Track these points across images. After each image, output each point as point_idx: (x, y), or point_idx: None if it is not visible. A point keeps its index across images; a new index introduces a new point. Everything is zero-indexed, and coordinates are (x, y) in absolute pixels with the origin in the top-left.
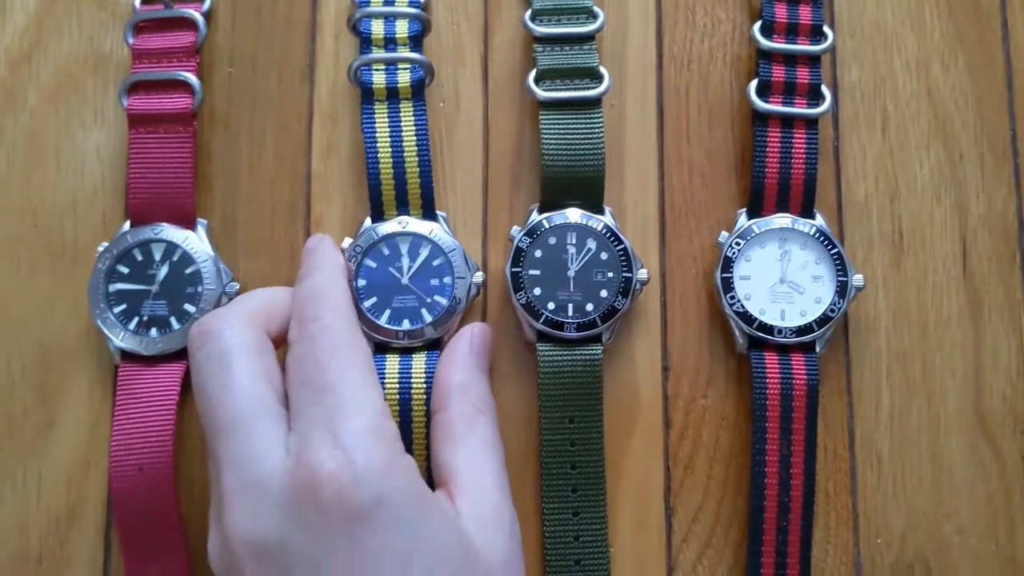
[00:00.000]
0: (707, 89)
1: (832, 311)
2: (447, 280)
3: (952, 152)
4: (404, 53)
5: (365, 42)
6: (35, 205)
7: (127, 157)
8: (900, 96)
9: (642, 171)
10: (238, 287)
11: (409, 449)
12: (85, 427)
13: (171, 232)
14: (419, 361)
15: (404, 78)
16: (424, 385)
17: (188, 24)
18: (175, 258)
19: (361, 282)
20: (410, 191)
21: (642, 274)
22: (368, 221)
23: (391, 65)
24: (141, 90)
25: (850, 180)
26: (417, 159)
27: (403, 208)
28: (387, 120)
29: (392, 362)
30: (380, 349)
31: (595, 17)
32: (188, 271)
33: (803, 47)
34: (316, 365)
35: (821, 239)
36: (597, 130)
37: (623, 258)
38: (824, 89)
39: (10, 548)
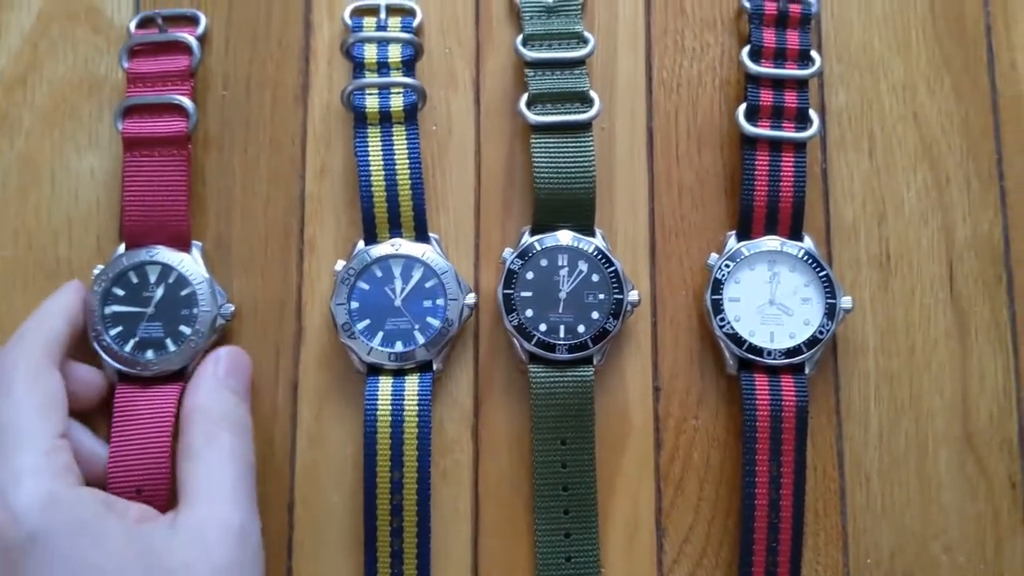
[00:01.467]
0: (696, 112)
1: (821, 333)
2: (440, 302)
3: (938, 175)
4: (397, 78)
5: (358, 67)
6: (30, 227)
7: (122, 180)
8: (887, 119)
9: (632, 193)
10: (233, 308)
11: (400, 468)
12: None
13: (166, 254)
14: (412, 383)
15: (397, 102)
16: (416, 408)
17: (183, 48)
18: (170, 280)
19: (354, 304)
20: (403, 213)
21: (633, 296)
22: (361, 243)
23: (384, 89)
24: (136, 114)
25: (838, 202)
26: (410, 182)
27: (396, 230)
28: (380, 143)
29: (385, 384)
30: (373, 371)
31: (586, 42)
32: (183, 293)
33: (791, 71)
34: None
35: (810, 262)
36: (588, 153)
37: (614, 280)
38: (812, 113)
39: None
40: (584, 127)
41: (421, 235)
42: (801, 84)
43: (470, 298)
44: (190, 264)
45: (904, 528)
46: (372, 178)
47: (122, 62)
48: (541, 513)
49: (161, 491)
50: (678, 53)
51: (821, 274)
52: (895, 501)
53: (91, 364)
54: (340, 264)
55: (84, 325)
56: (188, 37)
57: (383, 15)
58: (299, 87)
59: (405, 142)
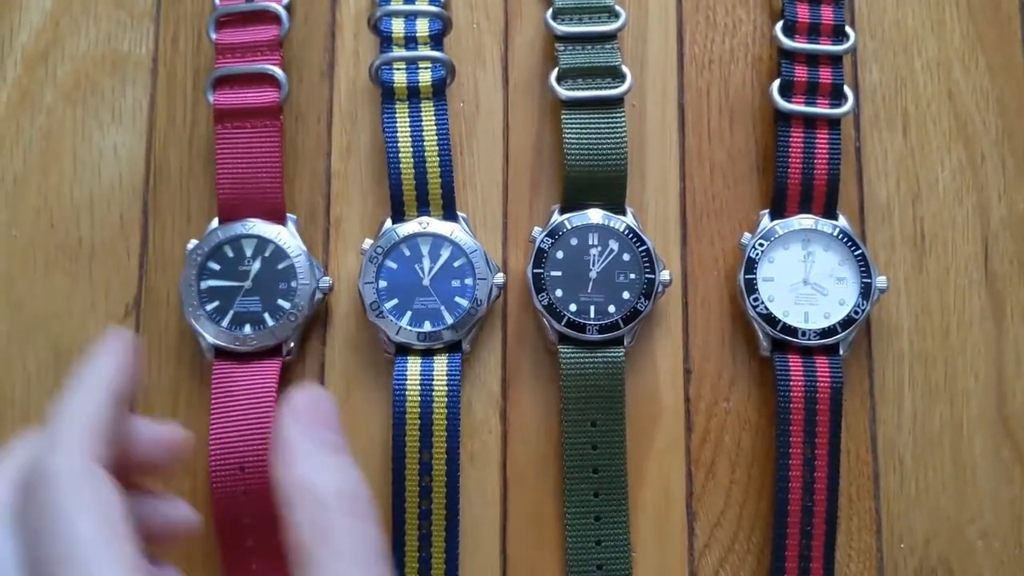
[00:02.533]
0: (728, 89)
1: (856, 313)
2: (468, 281)
3: (973, 153)
4: (425, 51)
5: (385, 41)
6: (51, 204)
7: (214, 153)
8: (921, 97)
9: (663, 171)
10: (331, 281)
11: (429, 449)
12: None
13: (262, 227)
14: (440, 363)
15: (425, 77)
16: (445, 388)
17: (271, 17)
18: (267, 253)
19: (382, 283)
20: (431, 191)
21: (664, 276)
22: (388, 222)
23: (412, 64)
24: (226, 85)
25: (872, 181)
26: (438, 159)
27: (424, 209)
28: (408, 120)
29: (413, 364)
30: (401, 351)
31: (617, 16)
32: (281, 266)
33: (825, 47)
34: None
35: (845, 240)
36: (619, 130)
37: (645, 259)
38: (847, 89)
39: None
40: (616, 102)
41: (449, 213)
42: (835, 60)
43: (499, 278)
44: (287, 237)
45: (939, 513)
46: (400, 155)
47: (210, 32)
48: (571, 495)
49: (265, 468)
50: (710, 29)
51: (856, 253)
52: (929, 485)
53: (187, 340)
54: (367, 243)
55: (135, 380)
56: (276, 6)
57: None
58: (325, 63)
59: (434, 118)
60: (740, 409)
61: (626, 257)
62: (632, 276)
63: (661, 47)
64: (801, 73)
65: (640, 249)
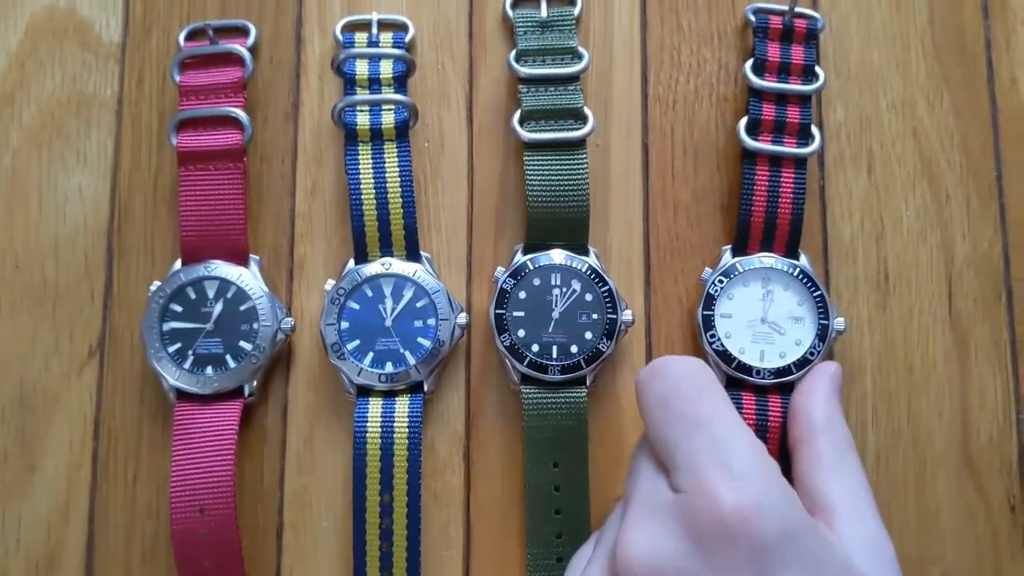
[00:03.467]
0: (693, 129)
1: (811, 354)
2: (431, 322)
3: (938, 192)
4: (388, 94)
5: (349, 83)
6: (16, 246)
7: (177, 195)
8: (886, 136)
9: (627, 211)
10: (293, 322)
11: (390, 491)
12: (66, 471)
13: (225, 269)
14: (402, 404)
15: (388, 119)
16: (406, 429)
17: (235, 59)
18: (229, 295)
19: (344, 324)
20: (394, 232)
21: (627, 315)
22: (351, 262)
23: (375, 106)
24: (190, 127)
25: (836, 220)
26: (401, 200)
27: (387, 249)
28: (371, 161)
29: (375, 405)
30: (363, 393)
31: (580, 58)
32: (243, 308)
33: (795, 87)
34: (685, 401)
35: (804, 280)
36: (582, 171)
37: (608, 299)
38: (814, 129)
39: None
40: (578, 144)
41: (412, 254)
42: (804, 99)
43: (462, 318)
44: (249, 278)
45: (902, 553)
46: (363, 196)
47: (174, 75)
48: (533, 537)
49: (225, 510)
50: (674, 68)
51: (815, 294)
52: (893, 525)
53: (150, 381)
54: (330, 284)
55: None
56: (240, 48)
57: (375, 30)
58: (289, 104)
59: (396, 159)
60: None
61: (588, 297)
62: (595, 316)
63: (625, 87)
64: (769, 112)
65: (602, 289)
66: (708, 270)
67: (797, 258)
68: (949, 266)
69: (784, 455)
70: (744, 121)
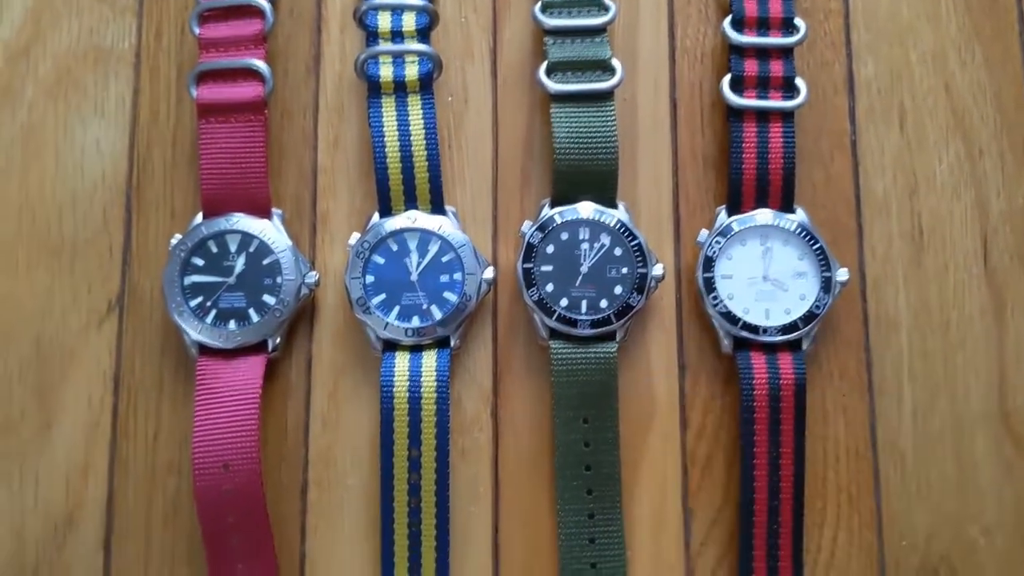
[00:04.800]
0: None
1: (818, 308)
2: (457, 276)
3: (971, 147)
4: (412, 45)
5: (371, 35)
6: (33, 201)
7: (197, 148)
8: (917, 90)
9: (655, 166)
10: (317, 276)
11: (418, 446)
12: (84, 428)
13: (247, 222)
14: (429, 359)
15: (412, 71)
16: (434, 384)
17: (255, 11)
18: (252, 249)
19: (369, 278)
20: (418, 185)
21: (658, 270)
22: (376, 216)
23: (398, 58)
24: (209, 80)
25: (868, 175)
26: (425, 152)
27: (411, 203)
28: (395, 114)
29: (402, 360)
30: (389, 347)
31: (606, 9)
32: (266, 262)
33: (775, 40)
34: None
35: (803, 234)
36: (610, 123)
37: (638, 253)
38: (799, 82)
39: (5, 555)
40: (606, 96)
41: (437, 208)
42: (786, 52)
43: (488, 272)
44: (272, 232)
45: (940, 510)
46: (387, 149)
47: (192, 27)
48: (563, 493)
49: (250, 466)
50: (702, 22)
51: (815, 247)
52: (931, 482)
53: (171, 336)
54: (355, 237)
55: None
56: (260, 0)
57: None
58: (311, 58)
59: (420, 112)
60: (736, 405)
61: (618, 251)
62: (624, 270)
63: (653, 40)
64: (751, 67)
65: (632, 243)
66: (704, 232)
67: (793, 212)
68: (984, 222)
69: (800, 415)
70: (727, 78)
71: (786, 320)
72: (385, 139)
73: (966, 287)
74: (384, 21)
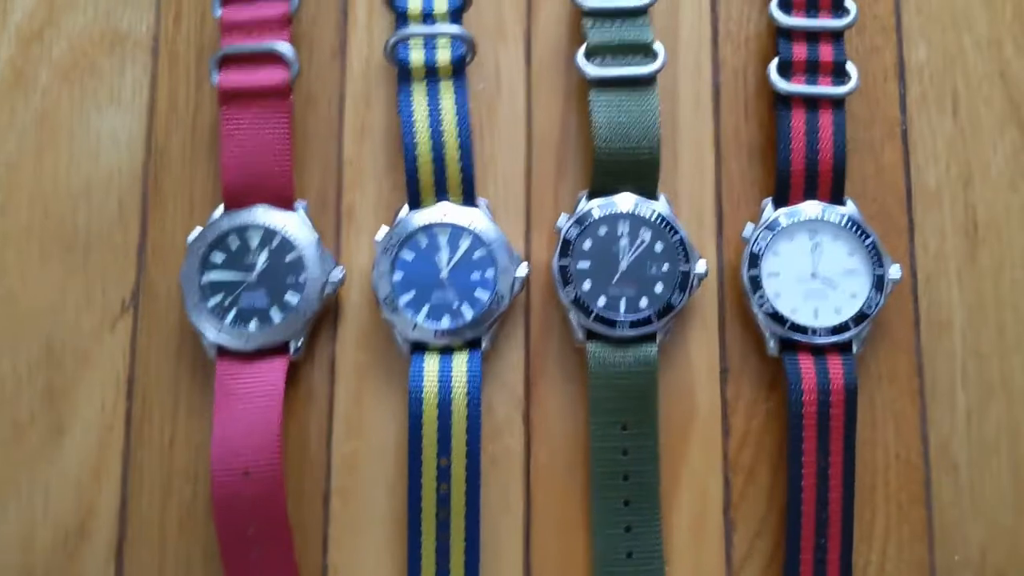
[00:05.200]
0: (766, 67)
1: (869, 307)
2: (489, 274)
3: None
4: (444, 27)
5: (401, 17)
6: (46, 192)
7: (219, 137)
8: (971, 76)
9: (698, 155)
10: (343, 273)
11: (448, 454)
12: (97, 432)
13: (269, 216)
14: (460, 361)
15: (444, 55)
16: (465, 388)
17: None
18: (274, 244)
19: (397, 276)
20: (449, 177)
21: (700, 267)
22: (404, 209)
23: (430, 40)
24: (232, 64)
25: (920, 166)
26: (458, 142)
27: (442, 195)
28: (425, 100)
29: (431, 362)
30: (417, 349)
31: None
32: (288, 258)
33: (824, 22)
34: None
35: (854, 228)
36: (652, 111)
37: (680, 249)
38: (850, 67)
39: (14, 565)
40: (647, 81)
41: (469, 200)
42: (836, 36)
43: (522, 269)
44: (295, 226)
45: (996, 522)
46: (417, 138)
47: (215, 9)
48: (599, 504)
49: (270, 473)
50: (746, 3)
51: (867, 242)
52: (986, 492)
53: (188, 336)
54: (382, 232)
55: None
56: None
57: None
58: (337, 41)
59: (453, 98)
60: (782, 409)
61: (659, 247)
62: (665, 267)
63: (694, 23)
64: (800, 51)
65: (674, 238)
66: (750, 226)
67: (843, 204)
68: None
69: (851, 422)
70: (774, 63)
71: (836, 320)
72: (415, 128)
73: (1023, 285)
74: (415, 2)
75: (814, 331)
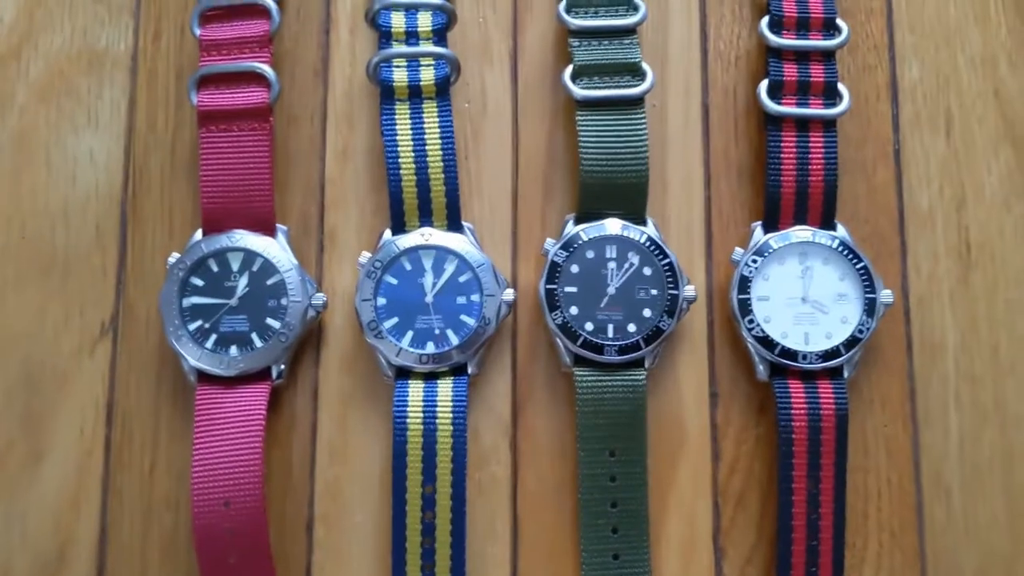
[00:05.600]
0: (756, 87)
1: (861, 332)
2: (475, 298)
3: (1022, 157)
4: (428, 47)
5: (384, 36)
6: (23, 213)
7: (198, 158)
8: (965, 96)
9: (687, 177)
10: (325, 299)
11: (433, 482)
12: (76, 458)
13: (250, 239)
14: (445, 387)
15: (428, 75)
16: (450, 414)
17: (259, 12)
18: (255, 268)
19: (381, 300)
20: (434, 199)
21: (689, 291)
22: (388, 233)
23: (413, 61)
24: (211, 84)
25: (912, 187)
26: (442, 164)
27: (426, 219)
28: (409, 121)
29: (415, 388)
30: (401, 375)
31: (636, 8)
32: (270, 282)
33: (815, 42)
34: None
35: (845, 252)
36: (640, 132)
37: (668, 274)
38: (842, 87)
39: None
40: (635, 102)
41: (454, 224)
42: (828, 56)
43: (508, 294)
44: (276, 250)
45: (989, 548)
46: (401, 160)
47: (193, 28)
48: (587, 532)
49: (252, 504)
50: (736, 23)
51: (858, 266)
52: (979, 518)
53: (168, 361)
54: (365, 256)
55: None
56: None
57: None
58: (319, 61)
59: (437, 119)
60: (772, 435)
61: (647, 271)
62: (654, 292)
63: (684, 42)
64: (791, 72)
65: (663, 262)
66: (739, 250)
67: (834, 229)
68: None
69: (842, 449)
70: (764, 83)
71: (827, 345)
72: (399, 149)
73: (1017, 307)
74: (398, 21)
75: (804, 356)
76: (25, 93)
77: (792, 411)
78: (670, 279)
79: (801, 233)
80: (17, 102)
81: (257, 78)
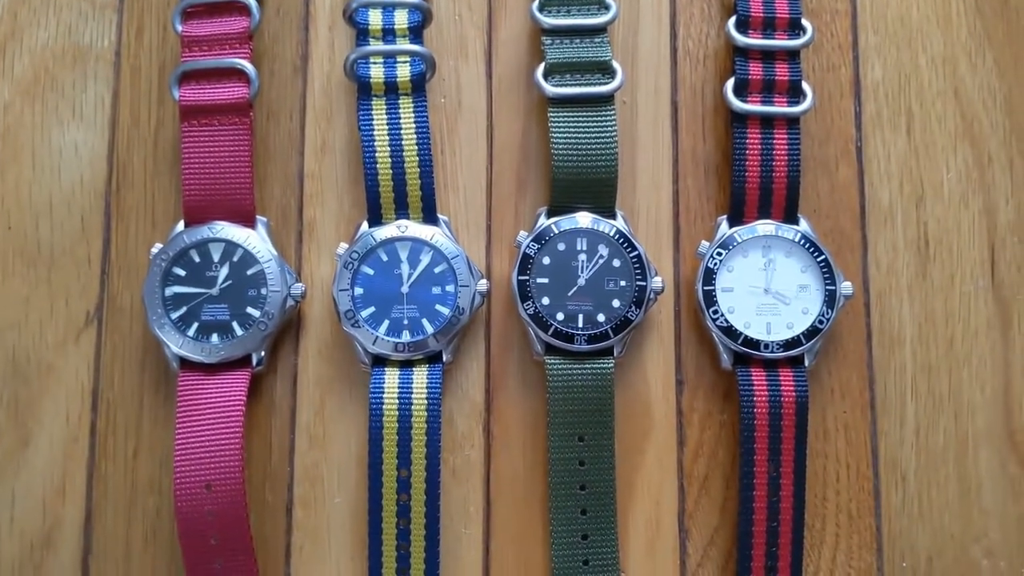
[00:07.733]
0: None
1: (821, 322)
2: (450, 288)
3: (980, 154)
4: (404, 45)
5: (362, 33)
6: (8, 206)
7: (180, 152)
8: (926, 95)
9: (655, 172)
10: (303, 288)
11: (408, 466)
12: (62, 445)
13: (230, 231)
14: (420, 374)
15: (404, 72)
16: (425, 401)
17: (240, 9)
18: (236, 258)
19: (358, 290)
20: (410, 193)
21: (657, 283)
22: (365, 225)
23: (390, 58)
24: (193, 80)
25: (873, 183)
26: (417, 158)
27: (402, 211)
28: (385, 116)
29: (391, 376)
30: (378, 362)
31: (607, 8)
32: (250, 272)
33: (780, 42)
34: None
35: (807, 246)
36: (610, 128)
37: (637, 265)
38: (805, 86)
39: None
40: (606, 100)
41: (429, 216)
42: (792, 55)
43: (482, 284)
44: (256, 241)
45: (942, 531)
46: (377, 154)
47: (175, 25)
48: (557, 513)
49: (233, 486)
50: (705, 22)
51: (819, 259)
52: (933, 502)
53: (151, 349)
54: (342, 247)
55: None
56: None
57: None
58: (298, 57)
59: (412, 115)
60: (735, 422)
61: (616, 263)
62: (623, 283)
63: (653, 41)
64: (756, 70)
65: (631, 255)
66: (705, 243)
67: (797, 223)
68: (992, 232)
69: (802, 435)
70: (731, 82)
71: (788, 335)
72: (375, 143)
73: (972, 300)
74: (375, 18)
75: (767, 345)
76: (10, 89)
77: (755, 398)
78: (638, 271)
79: (765, 227)
80: (2, 98)
81: (238, 74)
